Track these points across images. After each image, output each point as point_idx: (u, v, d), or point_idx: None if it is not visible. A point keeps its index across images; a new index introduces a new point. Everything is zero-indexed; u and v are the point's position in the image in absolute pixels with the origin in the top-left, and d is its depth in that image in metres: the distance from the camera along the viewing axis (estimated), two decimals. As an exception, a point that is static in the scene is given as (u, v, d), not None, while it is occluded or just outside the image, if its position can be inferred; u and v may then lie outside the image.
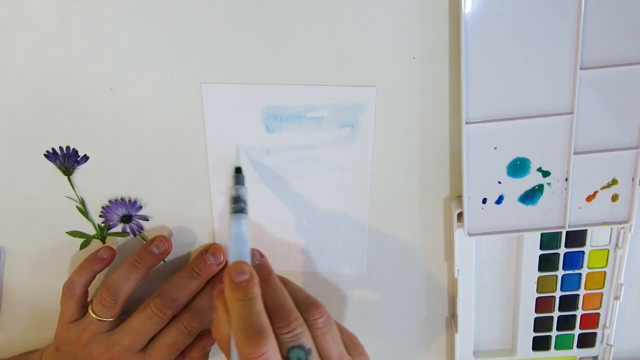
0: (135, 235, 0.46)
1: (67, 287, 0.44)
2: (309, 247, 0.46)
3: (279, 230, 0.45)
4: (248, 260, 0.36)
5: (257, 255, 0.41)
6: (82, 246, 0.46)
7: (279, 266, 0.46)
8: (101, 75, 0.39)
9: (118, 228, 0.45)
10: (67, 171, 0.43)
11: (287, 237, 0.45)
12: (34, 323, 0.50)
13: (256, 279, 0.35)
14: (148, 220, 0.45)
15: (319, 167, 0.42)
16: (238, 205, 0.39)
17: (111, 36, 0.38)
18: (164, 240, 0.44)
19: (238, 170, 0.41)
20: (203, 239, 0.46)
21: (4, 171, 0.43)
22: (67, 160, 0.42)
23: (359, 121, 0.41)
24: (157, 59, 0.39)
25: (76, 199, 0.44)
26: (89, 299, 0.45)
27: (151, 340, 0.44)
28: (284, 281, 0.39)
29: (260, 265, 0.39)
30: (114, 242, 0.46)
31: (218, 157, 0.42)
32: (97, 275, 0.45)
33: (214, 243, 0.46)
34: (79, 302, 0.44)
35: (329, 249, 0.46)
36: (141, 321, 0.43)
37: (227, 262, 0.44)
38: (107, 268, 0.45)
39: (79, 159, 0.42)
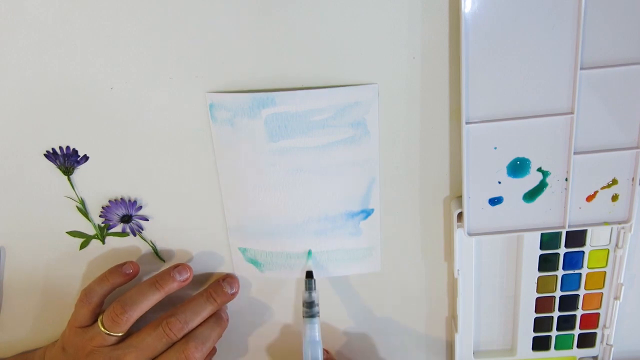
0: (135, 235, 0.46)
1: (85, 294, 0.44)
2: (324, 249, 0.46)
3: (293, 235, 0.45)
4: None
5: (325, 354, 0.45)
6: (82, 246, 0.46)
7: (295, 273, 0.46)
8: (101, 75, 0.39)
9: (118, 228, 0.45)
10: (67, 171, 0.43)
11: (303, 242, 0.45)
12: (34, 323, 0.50)
13: None
14: (148, 220, 0.45)
15: (329, 169, 0.42)
16: (312, 310, 0.44)
17: (111, 36, 0.38)
18: (187, 268, 0.45)
19: (309, 275, 0.44)
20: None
21: (4, 171, 0.43)
22: (67, 160, 0.42)
23: (365, 120, 0.40)
24: (157, 59, 0.39)
25: (76, 199, 0.44)
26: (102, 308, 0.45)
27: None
28: None
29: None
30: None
31: (230, 173, 0.42)
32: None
33: (230, 274, 0.47)
34: (93, 310, 0.44)
35: (343, 249, 0.46)
36: (150, 340, 0.43)
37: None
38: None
39: (79, 159, 0.42)
